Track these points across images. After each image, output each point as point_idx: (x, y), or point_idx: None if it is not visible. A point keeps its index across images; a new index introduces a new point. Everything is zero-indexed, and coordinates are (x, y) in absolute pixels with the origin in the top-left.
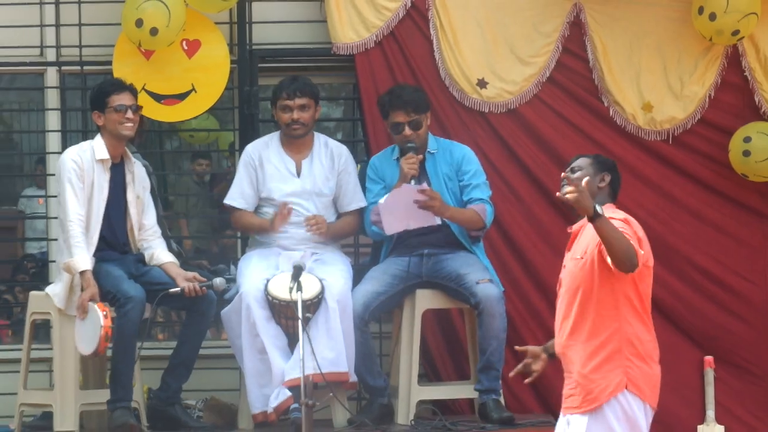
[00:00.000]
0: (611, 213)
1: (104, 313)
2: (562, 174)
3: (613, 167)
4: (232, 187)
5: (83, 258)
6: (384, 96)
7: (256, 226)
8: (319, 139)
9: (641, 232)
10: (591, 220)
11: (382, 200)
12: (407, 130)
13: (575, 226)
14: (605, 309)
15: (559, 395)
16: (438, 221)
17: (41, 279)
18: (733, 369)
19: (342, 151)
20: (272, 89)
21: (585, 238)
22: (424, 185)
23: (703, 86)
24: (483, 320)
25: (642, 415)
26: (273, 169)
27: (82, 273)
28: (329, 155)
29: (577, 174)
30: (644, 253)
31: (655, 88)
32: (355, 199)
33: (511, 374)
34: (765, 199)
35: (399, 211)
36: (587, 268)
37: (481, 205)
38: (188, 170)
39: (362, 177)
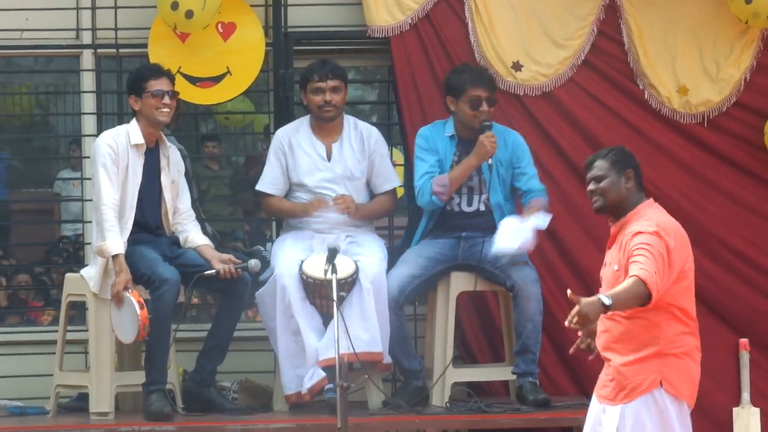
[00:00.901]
0: (643, 224)
1: (140, 303)
2: (589, 188)
3: (630, 157)
4: (264, 173)
5: (116, 242)
6: (456, 74)
7: (287, 210)
8: (349, 122)
9: (673, 240)
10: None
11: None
12: (485, 106)
13: (614, 226)
14: (646, 314)
15: (595, 378)
16: (526, 258)
17: (76, 261)
18: None
19: (372, 132)
20: (300, 74)
21: (623, 242)
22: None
23: (738, 69)
24: (518, 303)
25: (676, 412)
26: (303, 154)
27: (114, 257)
28: (359, 137)
29: (602, 185)
30: (659, 281)
31: (690, 72)
32: (388, 180)
33: (572, 350)
34: None
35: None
36: (622, 269)
37: (542, 199)
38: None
39: (405, 152)
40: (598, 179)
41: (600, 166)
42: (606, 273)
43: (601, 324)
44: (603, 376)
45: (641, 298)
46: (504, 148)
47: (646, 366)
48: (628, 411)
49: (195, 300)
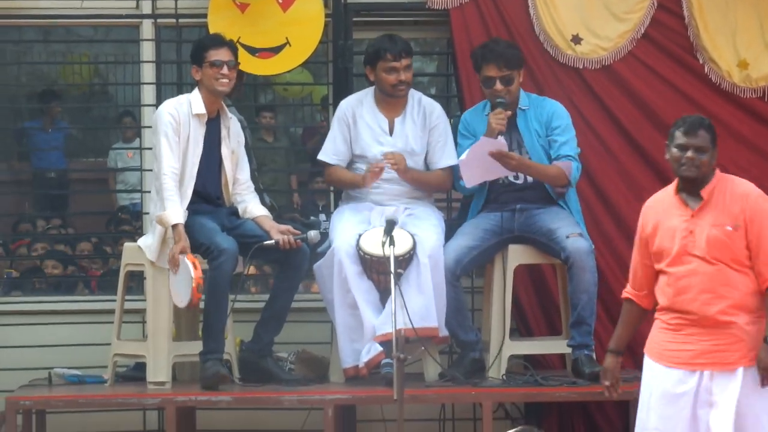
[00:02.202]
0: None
1: (193, 264)
2: (688, 154)
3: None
4: (326, 143)
5: (176, 211)
6: (477, 49)
7: (348, 180)
8: (413, 97)
9: None
10: None
11: (463, 156)
12: (498, 85)
13: (705, 193)
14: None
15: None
16: (510, 174)
17: (134, 231)
18: None
19: (435, 108)
20: (368, 49)
21: (730, 207)
22: (501, 139)
23: None
24: (573, 274)
25: None
26: (366, 127)
27: (174, 226)
28: (422, 113)
29: (704, 159)
30: None
31: (751, 45)
32: (445, 156)
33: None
34: None
35: (478, 164)
36: (738, 238)
37: (567, 162)
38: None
39: (455, 131)
40: (700, 150)
41: (704, 137)
42: (703, 236)
43: (716, 288)
44: (707, 344)
45: None
46: (540, 119)
47: (760, 329)
48: (751, 372)
49: (252, 270)
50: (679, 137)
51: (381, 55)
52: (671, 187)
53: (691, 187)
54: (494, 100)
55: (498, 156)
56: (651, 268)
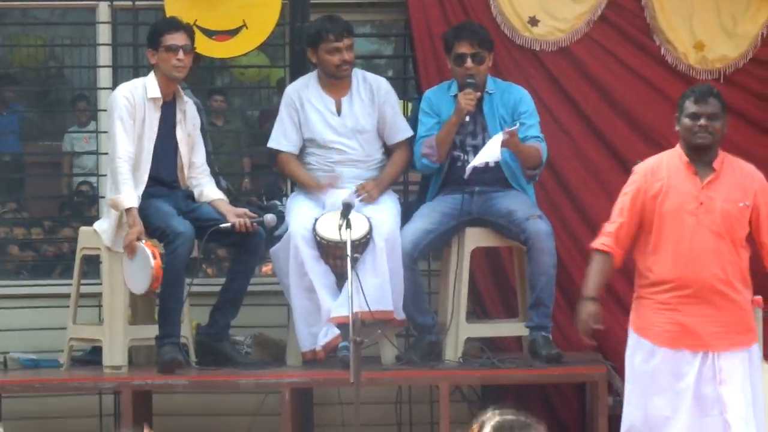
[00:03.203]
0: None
1: (153, 253)
2: (701, 122)
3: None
4: (275, 130)
5: (129, 195)
6: (450, 29)
7: (300, 178)
8: (357, 75)
9: None
10: None
11: (474, 161)
12: (469, 63)
13: (717, 164)
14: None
15: (609, 334)
16: (499, 158)
17: (89, 215)
18: None
19: (381, 83)
20: (309, 31)
21: (742, 182)
22: (517, 125)
23: (755, 24)
24: (532, 256)
25: None
26: (313, 110)
27: (127, 210)
28: (368, 89)
29: (717, 126)
30: None
31: (707, 27)
32: (401, 130)
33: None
34: None
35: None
36: (746, 216)
37: (539, 143)
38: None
39: (416, 111)
40: (712, 117)
41: (715, 104)
42: (723, 207)
43: (725, 264)
44: (715, 325)
45: None
46: (506, 104)
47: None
48: (754, 352)
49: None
50: (690, 106)
51: (323, 36)
52: (674, 153)
53: (700, 158)
54: (464, 80)
55: (511, 140)
56: (636, 228)
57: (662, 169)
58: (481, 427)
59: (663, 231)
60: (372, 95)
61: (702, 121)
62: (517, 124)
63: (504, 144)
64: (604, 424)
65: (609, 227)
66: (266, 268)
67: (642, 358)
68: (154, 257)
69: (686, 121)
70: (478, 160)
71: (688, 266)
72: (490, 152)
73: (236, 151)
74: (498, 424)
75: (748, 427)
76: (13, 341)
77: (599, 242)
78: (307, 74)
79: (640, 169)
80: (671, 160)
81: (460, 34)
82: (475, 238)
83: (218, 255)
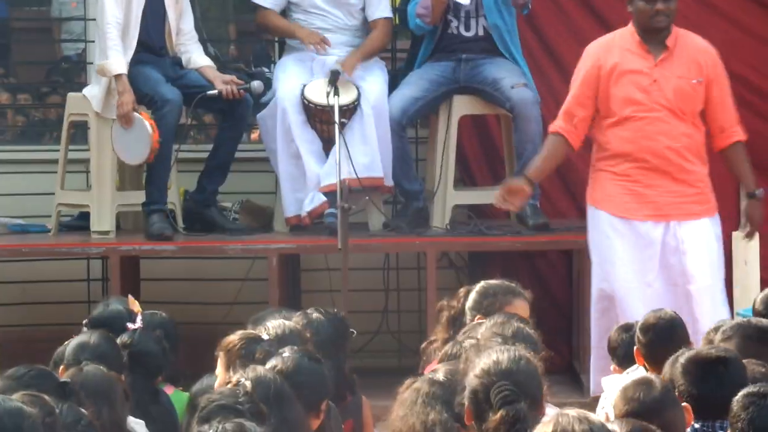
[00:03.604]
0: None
1: (151, 125)
2: (658, 6)
3: None
4: None
5: (118, 61)
6: None
7: (282, 28)
8: None
9: None
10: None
11: None
12: None
13: (670, 42)
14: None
15: None
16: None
17: (77, 81)
18: None
19: None
20: None
21: (695, 58)
22: None
23: None
24: (518, 124)
25: None
26: None
27: (117, 77)
28: None
29: (673, 6)
30: None
31: None
32: (381, 8)
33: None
34: None
35: None
36: (699, 92)
37: None
38: None
39: None
40: (666, 0)
41: None
42: (677, 84)
43: (680, 137)
44: (673, 196)
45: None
46: None
47: (709, 181)
48: (714, 224)
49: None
50: None
51: None
52: (626, 32)
53: (654, 37)
54: None
55: None
56: (593, 108)
57: (614, 49)
58: (468, 291)
59: (617, 108)
60: None
61: (659, 5)
62: None
63: None
64: (590, 290)
65: (564, 108)
66: (254, 136)
67: (602, 230)
68: (153, 129)
69: (641, 4)
70: None
71: (644, 140)
72: None
73: (221, 17)
74: (482, 288)
75: (713, 295)
76: (0, 206)
77: (552, 125)
78: None
79: (592, 48)
80: (623, 39)
81: None
82: (462, 105)
83: (205, 121)
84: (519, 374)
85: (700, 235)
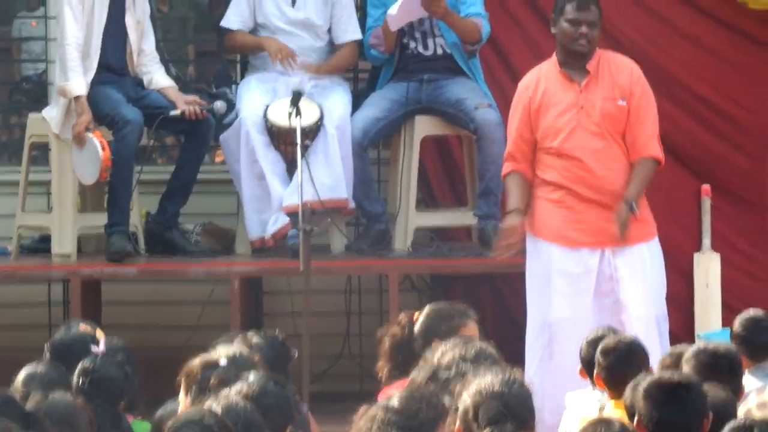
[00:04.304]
0: (637, 72)
1: (102, 144)
2: (582, 30)
3: None
4: (229, 10)
5: (78, 82)
6: None
7: (251, 43)
8: None
9: None
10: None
11: (390, 10)
12: None
13: (591, 67)
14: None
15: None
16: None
17: (38, 101)
18: (730, 198)
19: None
20: None
21: (617, 79)
22: None
23: None
24: (482, 145)
25: None
26: None
27: (76, 98)
28: None
29: (596, 33)
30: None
31: None
32: (348, 30)
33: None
34: (763, 26)
35: (405, 10)
36: (626, 113)
37: (480, 20)
38: None
39: (365, 2)
40: (591, 25)
41: (595, 11)
42: (603, 107)
43: (610, 163)
44: (608, 222)
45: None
46: None
47: (644, 203)
48: (653, 247)
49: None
50: (571, 12)
51: None
52: (550, 63)
53: (576, 62)
54: None
55: (429, 1)
56: (533, 142)
57: (541, 82)
58: (410, 317)
59: (548, 139)
60: None
61: (583, 29)
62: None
63: (427, 7)
64: None
65: (508, 149)
66: (218, 159)
67: (540, 258)
68: (103, 148)
69: (566, 26)
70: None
71: (576, 168)
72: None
73: (180, 38)
74: (435, 312)
75: (647, 324)
76: None
77: (505, 168)
78: None
79: (522, 84)
80: (549, 72)
81: None
82: (424, 126)
83: (167, 143)
84: (510, 397)
85: (635, 262)
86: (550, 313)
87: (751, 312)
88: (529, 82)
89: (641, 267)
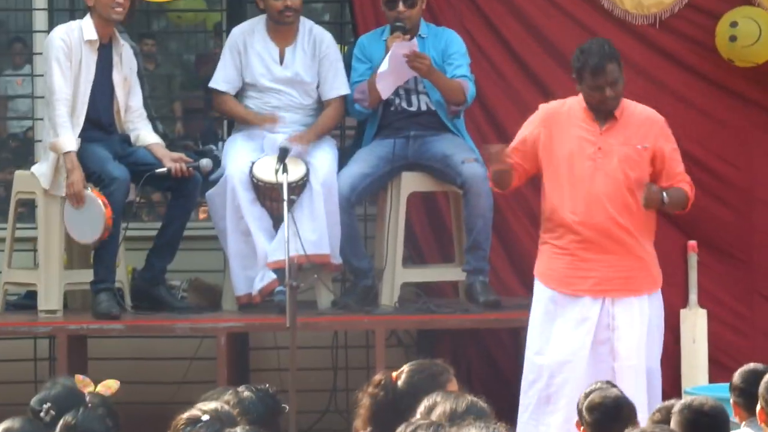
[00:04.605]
0: (661, 121)
1: (104, 202)
2: (608, 93)
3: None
4: (217, 71)
5: (69, 138)
6: None
7: (239, 115)
8: (305, 26)
9: None
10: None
11: (382, 66)
12: (401, 6)
13: (618, 112)
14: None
15: None
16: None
17: (24, 159)
18: (716, 253)
19: (325, 37)
20: None
21: (640, 127)
22: (415, 42)
23: None
24: (469, 199)
25: None
26: (256, 55)
27: (66, 154)
28: (312, 42)
29: (620, 88)
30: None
31: None
32: (335, 86)
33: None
34: (750, 83)
35: (392, 71)
36: (645, 158)
37: (465, 81)
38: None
39: (350, 57)
40: (613, 85)
41: (612, 70)
42: (622, 151)
43: (616, 205)
44: (613, 271)
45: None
46: (437, 47)
47: (655, 254)
48: (655, 300)
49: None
50: (589, 79)
51: None
52: (575, 100)
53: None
54: (394, 23)
55: (412, 57)
56: (532, 159)
57: (563, 114)
58: (386, 377)
59: (560, 175)
60: (314, 48)
61: (607, 92)
62: (413, 40)
63: (413, 66)
64: None
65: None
66: (203, 215)
67: (544, 304)
68: (105, 206)
69: (589, 91)
70: (383, 70)
71: (585, 211)
72: (392, 63)
73: (166, 96)
74: (420, 368)
75: (636, 376)
76: None
77: None
78: (256, 17)
79: (544, 109)
80: (573, 106)
81: None
82: (411, 182)
83: (153, 199)
84: None
85: (633, 313)
86: (550, 357)
87: (752, 365)
88: (549, 108)
89: (640, 318)
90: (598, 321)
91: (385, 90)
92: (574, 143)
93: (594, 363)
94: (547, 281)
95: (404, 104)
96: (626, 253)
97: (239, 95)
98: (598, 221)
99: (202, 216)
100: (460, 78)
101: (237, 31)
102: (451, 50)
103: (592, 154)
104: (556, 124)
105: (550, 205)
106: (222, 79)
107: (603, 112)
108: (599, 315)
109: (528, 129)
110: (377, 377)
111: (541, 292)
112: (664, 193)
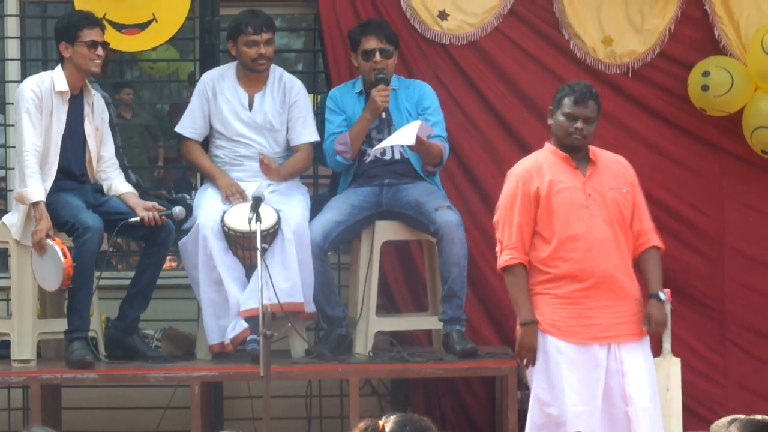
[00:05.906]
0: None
1: (63, 250)
2: (577, 125)
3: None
4: (184, 116)
5: (37, 189)
6: (356, 27)
7: (204, 169)
8: (274, 73)
9: None
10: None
11: (399, 140)
12: (378, 57)
13: (594, 156)
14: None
15: (514, 326)
16: (412, 142)
17: None
18: (689, 302)
19: (294, 84)
20: (230, 24)
21: (619, 172)
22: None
23: (663, 20)
24: (443, 247)
25: None
26: (225, 101)
27: (35, 204)
28: (282, 88)
29: (592, 129)
30: None
31: (615, 22)
32: (305, 133)
33: None
34: (722, 133)
35: (399, 137)
36: (630, 204)
37: (442, 144)
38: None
39: (323, 108)
40: (589, 121)
41: (592, 107)
42: (610, 196)
43: (616, 249)
44: (614, 316)
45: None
46: (410, 98)
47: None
48: (647, 344)
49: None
50: (568, 105)
51: (242, 29)
52: (547, 151)
53: (574, 154)
54: (373, 75)
55: (421, 141)
56: (533, 232)
57: (543, 168)
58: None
59: (557, 227)
60: (284, 95)
61: (578, 124)
62: (433, 131)
63: (416, 146)
64: (513, 418)
65: (508, 239)
66: (167, 264)
67: (550, 354)
68: (65, 255)
69: (562, 119)
70: (390, 142)
71: (588, 259)
72: (404, 138)
73: (140, 146)
74: (404, 422)
75: (651, 418)
76: None
77: (508, 258)
78: (226, 64)
79: (519, 171)
80: (548, 158)
81: (366, 30)
82: (385, 231)
83: (126, 248)
84: None
85: (640, 356)
86: (564, 408)
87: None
88: (526, 168)
89: (644, 362)
90: (607, 367)
91: (375, 150)
92: (565, 194)
93: (608, 409)
94: (551, 332)
95: (378, 153)
96: (626, 297)
97: (209, 143)
98: (602, 268)
99: (169, 265)
100: (437, 139)
101: (206, 77)
102: (426, 104)
103: (584, 201)
104: (542, 177)
105: (548, 257)
106: (188, 125)
107: (569, 148)
108: (608, 361)
109: (517, 202)
110: (363, 423)
111: (546, 343)
112: (660, 294)
